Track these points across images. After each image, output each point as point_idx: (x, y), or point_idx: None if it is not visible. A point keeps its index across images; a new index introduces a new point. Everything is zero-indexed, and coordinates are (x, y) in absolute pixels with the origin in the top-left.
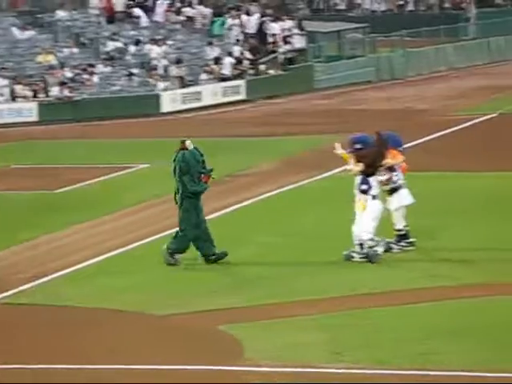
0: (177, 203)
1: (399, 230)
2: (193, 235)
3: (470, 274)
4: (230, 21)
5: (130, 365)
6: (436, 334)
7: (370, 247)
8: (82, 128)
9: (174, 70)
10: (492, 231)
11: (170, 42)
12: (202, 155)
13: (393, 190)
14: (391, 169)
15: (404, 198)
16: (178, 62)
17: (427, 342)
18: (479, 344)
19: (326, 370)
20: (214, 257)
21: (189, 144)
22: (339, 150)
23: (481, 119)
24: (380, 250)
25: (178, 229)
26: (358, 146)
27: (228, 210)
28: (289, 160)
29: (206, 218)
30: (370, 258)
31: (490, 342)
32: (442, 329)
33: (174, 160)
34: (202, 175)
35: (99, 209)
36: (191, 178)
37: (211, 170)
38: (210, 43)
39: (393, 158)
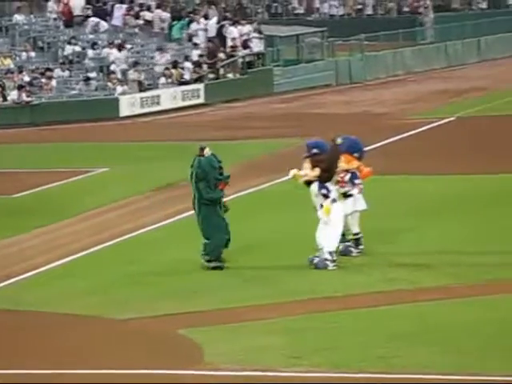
0: (195, 210)
1: (356, 234)
2: (222, 240)
3: (427, 277)
4: (194, 25)
5: (90, 369)
6: (395, 337)
7: (325, 259)
8: (40, 132)
9: (133, 74)
10: (449, 234)
11: (128, 46)
12: (219, 162)
13: (349, 195)
14: (354, 175)
15: (359, 203)
16: (136, 65)
17: (387, 345)
18: (437, 347)
19: (284, 373)
20: (212, 264)
21: (207, 151)
22: (291, 173)
23: (438, 123)
24: (331, 266)
25: (203, 240)
26: (315, 151)
27: (186, 214)
28: (249, 164)
29: (163, 223)
30: (316, 265)
31: (447, 344)
32: (400, 332)
33: (192, 166)
34: (219, 182)
35: (59, 213)
36: (207, 184)
37: (228, 177)
38: (160, 49)
39: (347, 163)
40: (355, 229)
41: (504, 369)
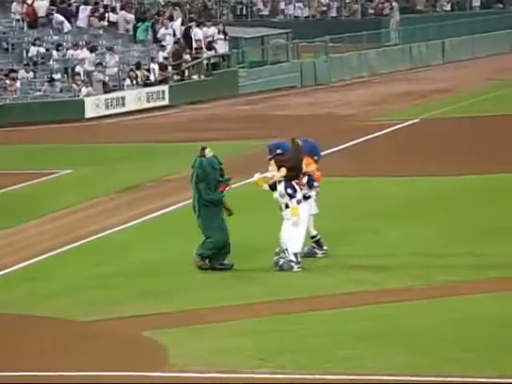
0: (195, 212)
1: (314, 237)
2: (222, 241)
3: (391, 278)
4: (162, 30)
5: (53, 371)
6: (360, 338)
7: (290, 260)
8: (5, 133)
9: (97, 76)
10: (413, 235)
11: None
12: (220, 163)
13: (307, 196)
14: (311, 178)
15: (313, 207)
16: (100, 66)
17: (351, 346)
18: (402, 348)
19: (249, 375)
20: (220, 266)
21: (208, 152)
22: (255, 177)
23: (403, 125)
24: (296, 267)
25: (204, 238)
26: (278, 151)
27: (153, 215)
28: None
29: (129, 224)
30: (281, 267)
31: (412, 346)
32: (365, 333)
33: (192, 166)
34: (220, 183)
35: (22, 215)
36: (207, 185)
37: (229, 179)
38: (110, 48)
39: (307, 165)
40: (312, 231)
41: (468, 370)
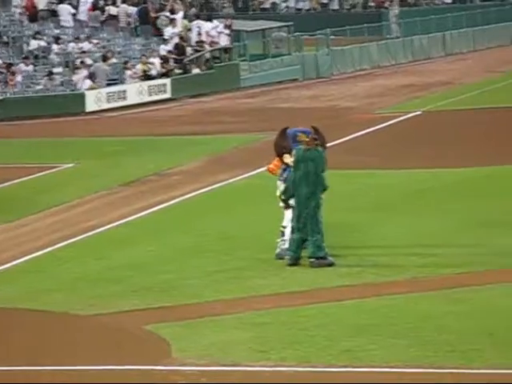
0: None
1: (285, 227)
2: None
3: (394, 270)
4: (169, 29)
5: (55, 366)
6: (361, 330)
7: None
8: (6, 127)
9: (102, 67)
10: (414, 228)
11: (94, 41)
12: None
13: None
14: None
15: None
16: (104, 59)
17: (353, 339)
18: (405, 340)
19: (252, 368)
20: (328, 260)
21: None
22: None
23: (404, 117)
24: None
25: (315, 237)
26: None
27: (154, 209)
28: (215, 159)
29: (130, 218)
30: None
31: (414, 338)
32: (367, 325)
33: (300, 159)
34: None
35: (23, 209)
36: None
37: None
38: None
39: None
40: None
41: (471, 362)
